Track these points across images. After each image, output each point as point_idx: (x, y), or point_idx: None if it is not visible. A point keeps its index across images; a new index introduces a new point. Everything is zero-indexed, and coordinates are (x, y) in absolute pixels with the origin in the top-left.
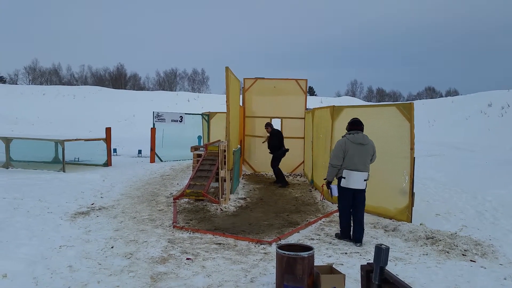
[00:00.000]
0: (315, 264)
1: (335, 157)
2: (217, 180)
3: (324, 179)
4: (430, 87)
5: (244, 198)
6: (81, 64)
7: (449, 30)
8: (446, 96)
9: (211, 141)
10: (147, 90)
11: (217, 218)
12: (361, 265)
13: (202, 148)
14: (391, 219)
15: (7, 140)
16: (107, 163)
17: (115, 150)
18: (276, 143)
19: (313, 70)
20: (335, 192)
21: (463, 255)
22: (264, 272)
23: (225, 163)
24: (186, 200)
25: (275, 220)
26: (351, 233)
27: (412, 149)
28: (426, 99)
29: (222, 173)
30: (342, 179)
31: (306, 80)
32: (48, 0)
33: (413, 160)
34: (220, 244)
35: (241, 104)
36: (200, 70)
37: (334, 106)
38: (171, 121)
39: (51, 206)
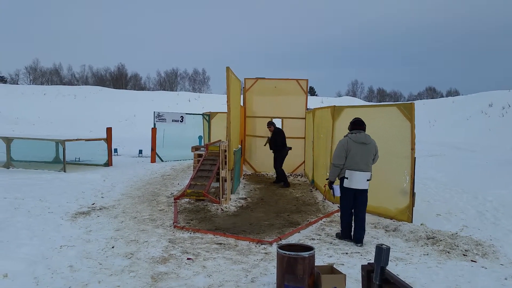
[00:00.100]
0: (315, 264)
1: (338, 156)
2: (217, 180)
3: (326, 179)
4: (431, 87)
5: (245, 198)
6: (82, 64)
7: (449, 30)
8: (447, 96)
9: (211, 141)
10: (148, 90)
11: (217, 218)
12: (362, 265)
13: (202, 148)
14: (391, 219)
15: (8, 140)
16: (108, 163)
17: (115, 150)
18: (279, 142)
19: (314, 70)
20: (338, 192)
21: (464, 255)
22: (264, 272)
23: (225, 163)
24: (187, 200)
25: (275, 220)
26: (352, 233)
27: (412, 149)
28: (426, 99)
29: (222, 173)
30: (345, 179)
31: (307, 80)
32: (48, 0)
33: (413, 160)
34: (220, 244)
35: (241, 104)
36: (201, 70)
37: (334, 106)
38: (171, 121)
39: (52, 206)
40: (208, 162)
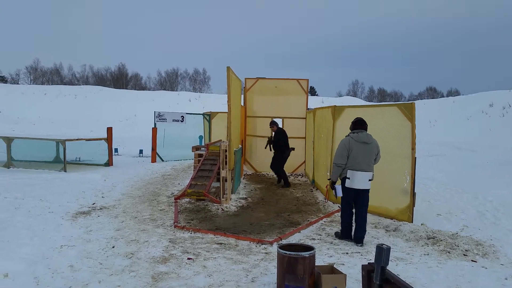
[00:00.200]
0: (316, 264)
1: (339, 156)
2: (218, 180)
3: (328, 179)
4: (432, 87)
5: (245, 198)
6: (83, 64)
7: (449, 30)
8: (447, 96)
9: (212, 141)
10: (149, 90)
11: (218, 218)
12: (362, 265)
13: (203, 148)
14: (392, 219)
15: (9, 140)
16: (108, 163)
17: (116, 150)
18: (281, 142)
19: (314, 70)
20: (340, 193)
21: (464, 255)
22: (265, 272)
23: (226, 163)
24: (187, 200)
25: (276, 220)
26: (353, 233)
27: (413, 149)
28: (427, 99)
29: (223, 173)
30: (347, 180)
31: (308, 80)
32: (49, 0)
33: (414, 160)
34: (221, 244)
35: (242, 104)
36: (201, 70)
37: (335, 106)
38: (172, 121)
39: (52, 205)
40: (209, 162)
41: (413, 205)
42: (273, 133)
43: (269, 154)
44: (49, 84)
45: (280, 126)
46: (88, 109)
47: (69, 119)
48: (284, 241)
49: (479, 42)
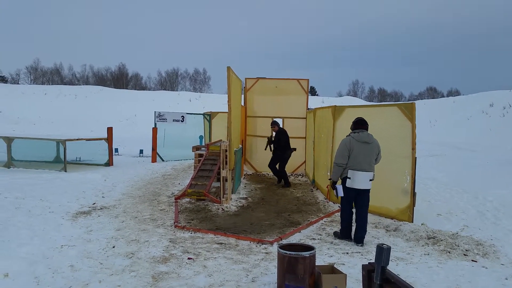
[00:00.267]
0: (316, 264)
1: (340, 155)
2: (218, 180)
3: (329, 179)
4: (432, 87)
5: (246, 198)
6: (83, 63)
7: (450, 30)
8: (447, 96)
9: (212, 141)
10: (149, 90)
11: (218, 218)
12: (362, 265)
13: (203, 148)
14: (392, 219)
15: (9, 140)
16: (109, 163)
17: (116, 150)
18: (283, 143)
19: (315, 70)
20: (341, 193)
21: (464, 255)
22: (265, 272)
23: (226, 163)
24: (188, 199)
25: (276, 220)
26: (353, 233)
27: (413, 149)
28: (427, 99)
29: (223, 173)
30: (347, 179)
31: (308, 80)
32: (49, 0)
33: (414, 160)
34: (221, 243)
35: (242, 104)
36: (201, 70)
37: (335, 106)
38: (172, 121)
39: (53, 205)
40: (209, 162)
41: (414, 205)
42: (274, 133)
43: (270, 154)
44: (49, 84)
45: (281, 126)
46: (88, 109)
47: (69, 119)
48: (284, 241)
49: (480, 42)
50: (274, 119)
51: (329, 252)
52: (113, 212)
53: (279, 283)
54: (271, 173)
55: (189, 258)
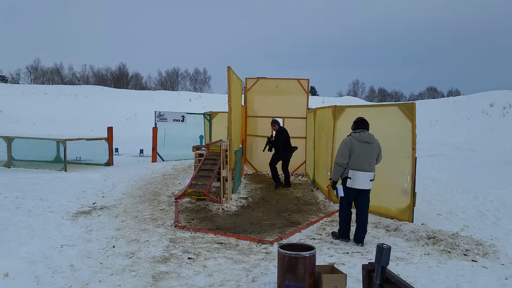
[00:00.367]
0: (316, 264)
1: (341, 155)
2: (218, 180)
3: (330, 179)
4: (432, 87)
5: (246, 197)
6: (83, 63)
7: (450, 30)
8: (448, 96)
9: (213, 140)
10: (149, 90)
11: (218, 218)
12: (362, 265)
13: (204, 148)
14: (392, 219)
15: (9, 140)
16: (109, 163)
17: (116, 150)
18: (283, 141)
19: (315, 70)
20: (341, 193)
21: (464, 255)
22: (265, 272)
23: (226, 163)
24: (188, 199)
25: (276, 219)
26: (354, 233)
27: (414, 149)
28: (428, 99)
29: (223, 173)
30: (348, 179)
31: (308, 79)
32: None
33: (414, 160)
34: (221, 243)
35: (243, 103)
36: (202, 69)
37: (336, 105)
38: (173, 120)
39: (53, 205)
40: (209, 162)
41: (414, 205)
42: (274, 132)
43: (270, 153)
44: (49, 84)
45: (281, 125)
46: (88, 109)
47: (70, 119)
48: (284, 241)
49: (480, 42)
50: (275, 119)
51: (329, 252)
52: (113, 212)
53: (279, 283)
54: (271, 173)
55: (189, 258)
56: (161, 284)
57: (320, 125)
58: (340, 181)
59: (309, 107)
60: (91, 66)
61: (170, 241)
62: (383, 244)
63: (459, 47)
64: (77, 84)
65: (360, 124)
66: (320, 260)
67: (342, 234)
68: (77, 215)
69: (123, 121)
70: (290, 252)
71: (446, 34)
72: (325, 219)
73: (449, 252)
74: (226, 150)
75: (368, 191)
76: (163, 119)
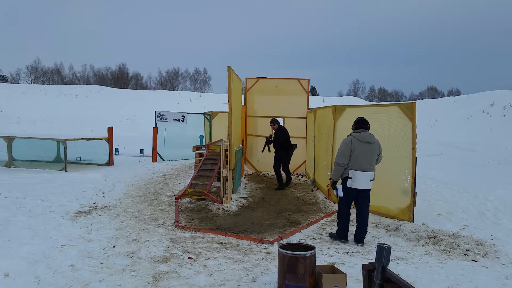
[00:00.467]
0: (317, 264)
1: (342, 155)
2: (219, 180)
3: (330, 179)
4: (432, 87)
5: (246, 197)
6: (83, 63)
7: (451, 30)
8: (448, 96)
9: (213, 140)
10: (149, 90)
11: (219, 218)
12: (363, 265)
13: (204, 148)
14: (392, 218)
15: (9, 139)
16: (109, 163)
17: (117, 150)
18: (283, 141)
19: (315, 70)
20: (341, 193)
21: (464, 254)
22: (265, 272)
23: (227, 163)
24: (188, 199)
25: (277, 219)
26: (354, 233)
27: (414, 148)
28: (428, 98)
29: (224, 173)
30: (348, 179)
31: (308, 79)
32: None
33: (415, 159)
34: (222, 243)
35: (243, 103)
36: (202, 69)
37: (336, 105)
38: (173, 120)
39: (53, 205)
40: (209, 162)
41: (414, 204)
42: (274, 131)
43: (270, 153)
44: (49, 84)
45: (281, 124)
46: (88, 109)
47: (70, 119)
48: (284, 241)
49: (480, 42)
50: (274, 118)
51: (329, 251)
52: (113, 211)
53: (280, 283)
54: (271, 173)
55: (189, 258)
56: (162, 284)
57: (320, 125)
58: (340, 181)
59: (309, 107)
60: (92, 66)
61: (171, 241)
62: (383, 244)
63: (459, 46)
64: (77, 84)
65: (361, 124)
66: (321, 260)
67: (340, 235)
68: (77, 215)
69: (123, 121)
70: (290, 252)
71: (446, 33)
72: (325, 219)
73: (450, 252)
74: (226, 150)
75: (368, 191)
76: (163, 119)
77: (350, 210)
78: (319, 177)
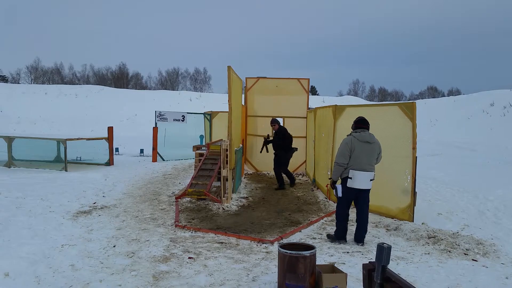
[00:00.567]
0: (317, 263)
1: (342, 155)
2: (219, 180)
3: (329, 179)
4: (432, 87)
5: (246, 197)
6: (83, 63)
7: (451, 29)
8: (448, 95)
9: (213, 140)
10: (149, 89)
11: (219, 217)
12: (363, 264)
13: (204, 148)
14: (393, 218)
15: (9, 139)
16: (109, 162)
17: (117, 149)
18: (285, 141)
19: (315, 70)
20: (340, 193)
21: (465, 254)
22: (266, 271)
23: (227, 162)
24: (188, 199)
25: (277, 219)
26: (354, 232)
27: (414, 148)
28: (428, 98)
29: (224, 172)
30: (348, 179)
31: (308, 79)
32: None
33: (415, 159)
34: (222, 243)
35: (243, 103)
36: (202, 69)
37: (336, 105)
38: (173, 120)
39: (53, 205)
40: (210, 162)
41: (414, 204)
42: (274, 132)
43: (270, 153)
44: (49, 84)
45: (281, 124)
46: (88, 109)
47: (70, 119)
48: (285, 240)
49: (480, 41)
50: (275, 118)
51: (329, 251)
52: (113, 211)
53: (280, 282)
54: (271, 173)
55: (189, 258)
56: (162, 283)
57: (321, 124)
58: (339, 181)
59: (309, 106)
60: (92, 66)
61: (171, 241)
62: (383, 243)
63: (459, 46)
64: (77, 84)
65: (361, 124)
66: (321, 260)
67: (338, 235)
68: (77, 214)
69: (123, 121)
70: (290, 251)
71: (446, 33)
72: (325, 218)
73: (450, 252)
74: (227, 150)
75: (368, 190)
76: (163, 118)
77: (350, 210)
78: (319, 177)
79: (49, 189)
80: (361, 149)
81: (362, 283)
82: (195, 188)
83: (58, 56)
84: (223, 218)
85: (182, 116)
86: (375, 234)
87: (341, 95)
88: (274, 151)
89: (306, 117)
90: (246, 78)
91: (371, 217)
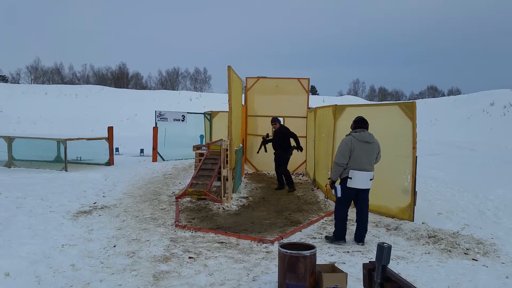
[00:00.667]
0: (317, 263)
1: (341, 155)
2: (219, 179)
3: (329, 179)
4: (433, 86)
5: (246, 197)
6: (83, 63)
7: (451, 29)
8: (448, 95)
9: (213, 140)
10: (149, 89)
11: (219, 217)
12: (363, 264)
13: (204, 147)
14: (393, 218)
15: (10, 139)
16: (109, 162)
17: (117, 149)
18: (286, 140)
19: (315, 70)
20: (339, 193)
21: (465, 253)
22: (266, 271)
23: (227, 162)
24: (188, 199)
25: (277, 219)
26: (354, 232)
27: (414, 148)
28: (428, 98)
29: (224, 172)
30: (348, 179)
31: (308, 79)
32: None
33: (415, 159)
34: (222, 243)
35: (243, 103)
36: (202, 69)
37: (336, 105)
38: (173, 120)
39: (53, 205)
40: (210, 161)
41: (414, 204)
42: (274, 130)
43: (270, 153)
44: (49, 84)
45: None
46: (89, 109)
47: (70, 119)
48: (285, 240)
49: (480, 41)
50: (275, 117)
51: (329, 251)
52: (114, 211)
53: (280, 282)
54: (272, 172)
55: (190, 257)
56: (162, 283)
57: (321, 124)
58: (338, 181)
59: (309, 106)
60: (92, 66)
61: (171, 241)
62: (383, 243)
63: (459, 46)
64: (77, 84)
65: (360, 124)
66: (321, 259)
67: (338, 236)
68: (77, 214)
69: (123, 121)
70: (290, 251)
71: (446, 33)
72: (325, 218)
73: (450, 251)
74: (227, 150)
75: (367, 190)
76: (163, 118)
77: (350, 210)
78: (319, 177)
79: (49, 189)
80: (361, 149)
81: (362, 283)
82: (195, 188)
83: (58, 56)
84: (223, 218)
85: (182, 116)
86: (375, 234)
87: (341, 95)
88: (274, 151)
89: (306, 117)
90: (246, 78)
91: (371, 217)
